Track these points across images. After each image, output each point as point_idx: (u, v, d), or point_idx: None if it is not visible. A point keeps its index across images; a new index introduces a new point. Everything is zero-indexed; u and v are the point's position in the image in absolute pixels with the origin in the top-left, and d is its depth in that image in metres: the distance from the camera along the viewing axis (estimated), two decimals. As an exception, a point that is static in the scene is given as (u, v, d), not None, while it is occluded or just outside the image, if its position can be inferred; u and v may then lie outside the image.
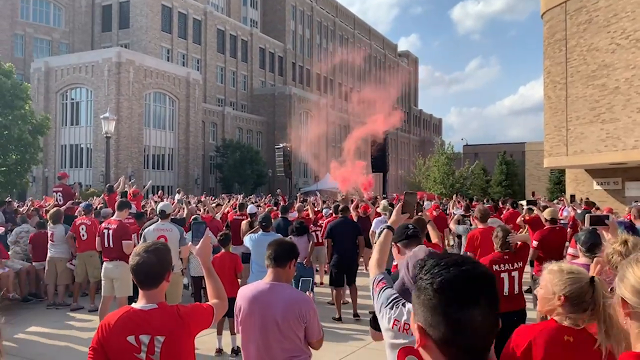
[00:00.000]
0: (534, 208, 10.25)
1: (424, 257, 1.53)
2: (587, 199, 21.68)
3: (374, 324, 2.67)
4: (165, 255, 2.63)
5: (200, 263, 3.00)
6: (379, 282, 2.56)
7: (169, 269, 2.64)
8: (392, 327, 2.36)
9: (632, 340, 1.51)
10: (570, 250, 6.05)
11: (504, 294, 5.00)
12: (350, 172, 26.88)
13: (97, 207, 12.32)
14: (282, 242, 3.39)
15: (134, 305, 2.61)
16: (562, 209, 16.20)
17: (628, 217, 8.97)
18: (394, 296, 2.42)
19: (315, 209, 14.29)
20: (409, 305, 2.26)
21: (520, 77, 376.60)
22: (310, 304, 3.18)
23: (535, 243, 7.00)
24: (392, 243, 3.09)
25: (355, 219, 10.78)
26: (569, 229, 9.86)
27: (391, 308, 2.39)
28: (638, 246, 2.90)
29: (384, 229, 2.97)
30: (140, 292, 2.60)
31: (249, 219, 10.28)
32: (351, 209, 10.90)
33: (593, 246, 4.22)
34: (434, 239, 6.68)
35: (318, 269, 11.14)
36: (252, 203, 13.62)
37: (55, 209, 10.26)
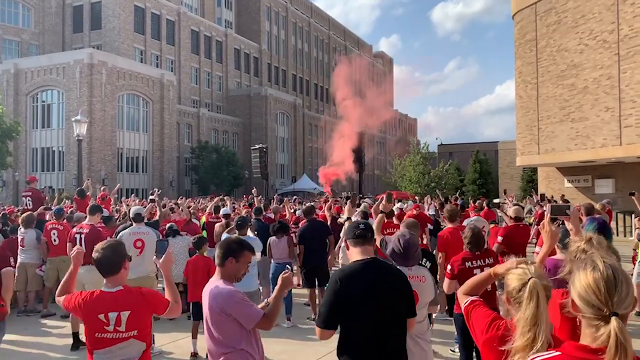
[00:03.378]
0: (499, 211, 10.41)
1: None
2: (563, 196, 22.16)
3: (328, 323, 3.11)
4: (117, 249, 3.34)
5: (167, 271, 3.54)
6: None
7: (124, 259, 3.32)
8: None
9: (581, 335, 1.71)
10: (536, 249, 6.21)
11: None
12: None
13: (68, 211, 12.12)
14: (222, 243, 3.57)
15: (102, 289, 3.24)
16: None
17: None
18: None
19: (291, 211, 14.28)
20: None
21: (497, 77, 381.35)
22: (231, 297, 3.22)
23: (500, 238, 7.16)
24: (344, 238, 3.33)
25: (329, 219, 10.84)
26: (535, 226, 10.03)
27: None
28: (602, 244, 3.04)
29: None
30: (105, 279, 3.25)
31: (223, 220, 10.18)
32: (325, 209, 10.93)
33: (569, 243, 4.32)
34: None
35: (295, 270, 11.15)
36: (221, 203, 13.46)
37: (27, 213, 10.05)
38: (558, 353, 1.71)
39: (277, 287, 3.39)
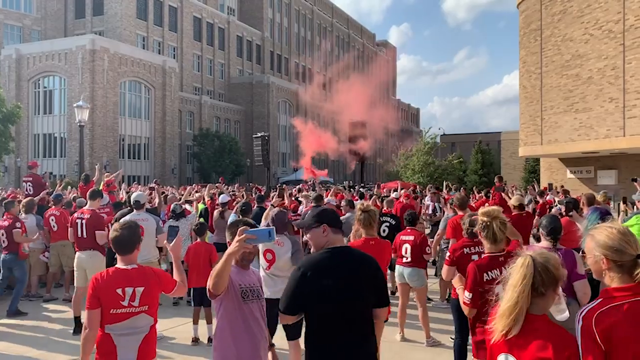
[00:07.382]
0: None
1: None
2: (562, 186, 22.12)
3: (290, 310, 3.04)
4: (135, 231, 3.57)
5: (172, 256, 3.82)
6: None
7: (138, 241, 3.58)
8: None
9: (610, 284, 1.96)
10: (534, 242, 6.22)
11: None
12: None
13: (71, 197, 12.13)
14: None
15: (117, 266, 3.50)
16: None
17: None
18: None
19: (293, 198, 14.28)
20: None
21: (506, 67, 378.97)
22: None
23: None
24: (325, 224, 3.10)
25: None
26: (536, 217, 9.99)
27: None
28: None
29: None
30: (119, 257, 3.52)
31: (220, 208, 10.19)
32: (329, 196, 10.91)
33: (554, 230, 4.39)
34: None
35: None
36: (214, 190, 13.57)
37: (28, 198, 10.06)
38: (600, 300, 1.92)
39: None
